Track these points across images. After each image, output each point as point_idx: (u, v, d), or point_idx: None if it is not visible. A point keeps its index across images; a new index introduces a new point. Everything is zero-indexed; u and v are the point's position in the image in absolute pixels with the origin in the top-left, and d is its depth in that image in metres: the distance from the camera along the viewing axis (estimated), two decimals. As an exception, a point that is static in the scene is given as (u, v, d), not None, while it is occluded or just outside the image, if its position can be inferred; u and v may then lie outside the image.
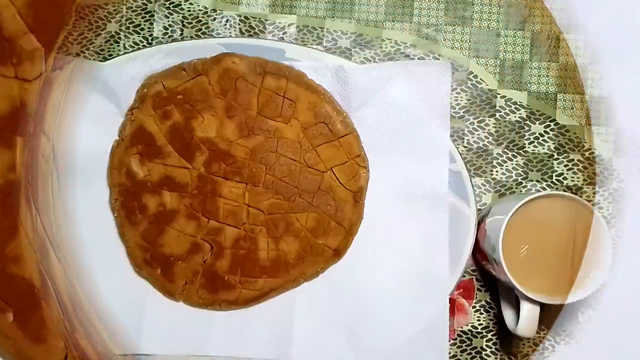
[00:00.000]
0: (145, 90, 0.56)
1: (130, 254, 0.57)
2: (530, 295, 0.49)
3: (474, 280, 0.59)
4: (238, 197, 0.56)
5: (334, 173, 0.56)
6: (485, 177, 0.59)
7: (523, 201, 0.49)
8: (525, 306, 0.50)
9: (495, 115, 0.59)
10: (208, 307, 0.56)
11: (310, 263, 0.56)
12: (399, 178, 0.56)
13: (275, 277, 0.56)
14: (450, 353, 0.58)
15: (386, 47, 0.59)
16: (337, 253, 0.56)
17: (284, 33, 0.59)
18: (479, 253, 0.56)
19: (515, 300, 0.53)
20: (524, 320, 0.49)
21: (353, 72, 0.55)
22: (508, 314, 0.54)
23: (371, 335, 0.55)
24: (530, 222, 0.50)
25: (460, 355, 0.58)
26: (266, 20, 0.60)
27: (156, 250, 0.56)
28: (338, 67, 0.55)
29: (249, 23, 0.60)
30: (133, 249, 0.56)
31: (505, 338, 0.58)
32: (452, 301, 0.58)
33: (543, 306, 0.50)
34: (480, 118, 0.59)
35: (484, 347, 0.58)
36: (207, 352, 0.55)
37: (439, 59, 0.59)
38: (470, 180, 0.55)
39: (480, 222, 0.55)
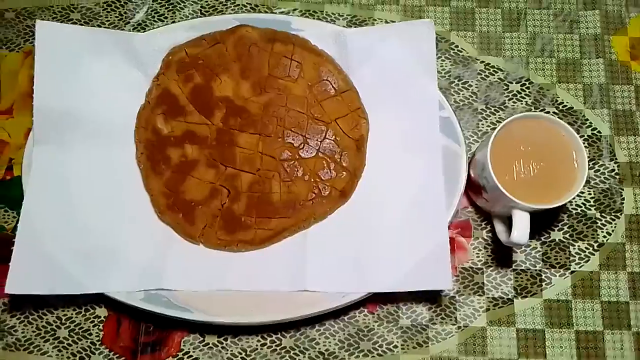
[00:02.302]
0: (170, 57, 0.64)
1: (154, 201, 0.62)
2: (520, 202, 0.54)
3: (470, 219, 0.64)
4: (253, 146, 0.62)
5: (337, 124, 0.63)
6: (472, 129, 0.66)
7: (506, 121, 0.56)
8: (516, 214, 0.55)
9: (477, 77, 0.67)
10: (226, 247, 0.60)
11: (319, 204, 0.61)
12: (395, 128, 0.63)
13: (288, 217, 0.61)
14: (453, 289, 0.62)
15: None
16: (344, 194, 0.62)
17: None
18: (472, 190, 0.62)
19: (507, 221, 0.58)
20: (517, 227, 0.54)
21: (351, 36, 0.64)
22: (502, 234, 0.59)
23: (378, 266, 0.59)
24: (514, 142, 0.57)
25: (463, 291, 0.62)
26: (273, 6, 0.69)
27: (178, 196, 0.61)
28: (338, 33, 0.64)
29: (258, 10, 0.69)
30: (157, 197, 0.61)
31: (505, 273, 0.62)
32: (451, 240, 0.62)
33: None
34: (464, 80, 0.67)
35: (485, 282, 0.62)
36: (225, 287, 0.59)
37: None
38: (459, 121, 0.62)
39: (469, 164, 0.61)
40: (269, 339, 0.61)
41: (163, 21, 0.69)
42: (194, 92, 0.63)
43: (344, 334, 0.61)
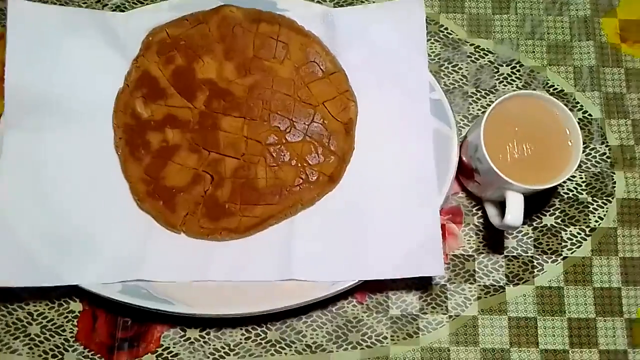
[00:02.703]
0: (150, 38, 0.61)
1: (133, 188, 0.59)
2: (513, 182, 0.52)
3: (461, 205, 0.62)
4: (237, 129, 0.59)
5: (325, 107, 0.61)
6: (463, 112, 0.64)
7: (499, 100, 0.54)
8: (510, 196, 0.53)
9: (467, 60, 0.65)
10: (209, 236, 0.58)
11: (306, 190, 0.59)
12: (385, 110, 0.61)
13: (274, 203, 0.58)
14: (444, 277, 0.60)
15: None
16: (332, 179, 0.59)
17: None
18: (463, 175, 0.60)
19: (499, 205, 0.57)
20: (511, 209, 0.53)
21: (339, 15, 0.62)
22: (494, 218, 0.57)
23: (368, 253, 0.57)
24: (507, 122, 0.55)
25: (454, 279, 0.60)
26: None
27: (159, 183, 0.58)
28: (326, 13, 0.62)
29: None
30: (136, 184, 0.59)
31: (496, 260, 0.61)
32: (442, 227, 0.61)
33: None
34: (454, 63, 0.65)
35: (476, 269, 0.60)
36: (208, 277, 0.56)
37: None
38: (450, 104, 0.60)
39: (460, 147, 0.60)
40: (253, 332, 0.59)
41: (142, 3, 0.66)
42: (175, 74, 0.61)
43: (332, 325, 0.59)
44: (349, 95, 0.61)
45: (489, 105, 0.63)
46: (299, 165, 0.59)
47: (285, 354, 0.58)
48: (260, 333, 0.59)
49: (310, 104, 0.60)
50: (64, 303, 0.59)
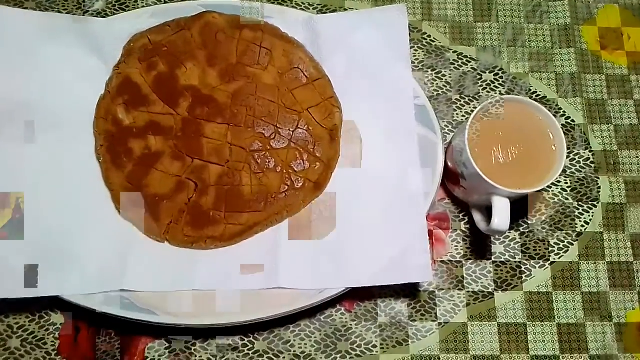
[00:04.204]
0: (132, 44, 0.60)
1: (115, 196, 0.57)
2: (499, 186, 0.52)
3: (448, 211, 0.62)
4: (221, 136, 0.58)
5: (310, 113, 0.60)
6: (447, 119, 0.64)
7: (484, 104, 0.54)
8: (496, 201, 0.53)
9: (450, 67, 0.66)
10: (194, 244, 0.56)
11: (292, 197, 0.58)
12: (370, 117, 0.61)
13: (259, 210, 0.57)
14: (432, 284, 0.59)
15: None
16: (318, 186, 0.59)
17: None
18: (449, 180, 0.60)
19: (486, 210, 0.56)
20: (497, 214, 0.52)
21: (322, 22, 0.61)
22: (481, 223, 0.57)
23: (355, 260, 0.56)
24: (491, 126, 0.55)
25: (443, 285, 0.60)
26: None
27: (142, 190, 0.57)
28: (308, 19, 0.61)
29: None
30: (118, 192, 0.57)
31: (484, 266, 0.60)
32: (429, 233, 0.60)
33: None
34: (437, 70, 0.65)
35: (465, 275, 0.60)
36: (192, 287, 0.55)
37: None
38: (435, 111, 0.60)
39: (445, 152, 0.60)
40: (240, 342, 0.57)
41: (125, 10, 0.65)
42: (157, 81, 0.60)
43: (320, 334, 0.58)
44: (333, 102, 0.61)
45: (473, 111, 0.64)
46: (284, 171, 0.58)
47: (248, 346, 0.57)
48: (248, 343, 0.57)
49: (294, 111, 0.60)
50: (45, 315, 0.57)
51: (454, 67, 0.66)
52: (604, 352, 0.58)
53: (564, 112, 0.65)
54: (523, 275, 0.60)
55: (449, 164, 0.59)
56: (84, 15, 0.64)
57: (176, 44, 0.60)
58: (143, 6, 0.65)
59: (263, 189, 0.58)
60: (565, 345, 0.58)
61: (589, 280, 0.60)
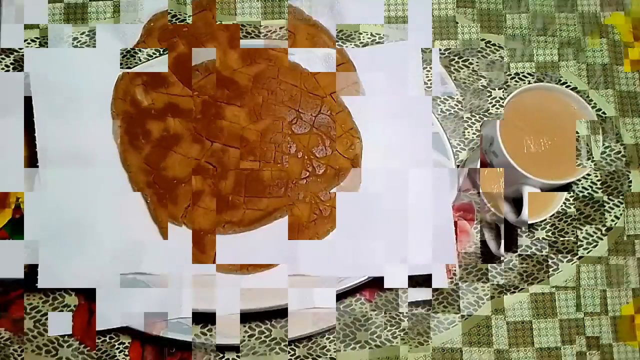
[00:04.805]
0: (151, 24, 0.59)
1: (133, 178, 0.56)
2: (531, 176, 0.50)
3: (473, 202, 0.60)
4: (241, 119, 0.57)
5: (333, 98, 0.58)
6: (460, 137, 0.62)
7: (517, 91, 0.52)
8: (527, 191, 0.51)
9: (478, 55, 0.64)
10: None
11: (313, 183, 0.56)
12: (390, 108, 0.59)
13: (279, 196, 0.56)
14: (456, 275, 0.58)
15: (364, 38, 0.64)
16: (340, 174, 0.57)
17: (277, 35, 0.63)
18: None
19: (513, 202, 0.55)
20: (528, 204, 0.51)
21: (346, 4, 0.60)
22: (509, 214, 0.55)
23: (377, 248, 0.54)
24: (524, 115, 0.53)
25: (467, 278, 0.58)
26: (260, 25, 0.63)
27: (159, 173, 0.56)
28: (334, 2, 0.60)
29: (245, 29, 0.63)
30: (136, 173, 0.56)
31: (510, 259, 0.58)
32: (454, 224, 0.58)
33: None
34: (464, 57, 0.63)
35: (489, 268, 0.58)
36: (209, 270, 0.54)
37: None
38: (448, 139, 0.58)
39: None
40: (257, 329, 0.56)
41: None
42: (177, 62, 0.58)
43: (339, 323, 0.56)
44: (357, 87, 0.59)
45: (501, 100, 0.62)
46: (306, 157, 0.57)
47: (291, 352, 0.55)
48: (265, 330, 0.56)
49: (317, 95, 0.58)
50: (114, 336, 0.56)
51: (465, 86, 0.63)
52: (632, 351, 0.56)
53: (595, 103, 0.63)
54: (550, 270, 0.58)
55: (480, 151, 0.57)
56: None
57: (197, 25, 0.59)
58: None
59: (283, 174, 0.56)
60: (592, 341, 0.56)
61: (617, 278, 0.58)
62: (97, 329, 0.53)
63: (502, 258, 0.58)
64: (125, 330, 0.55)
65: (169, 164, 0.56)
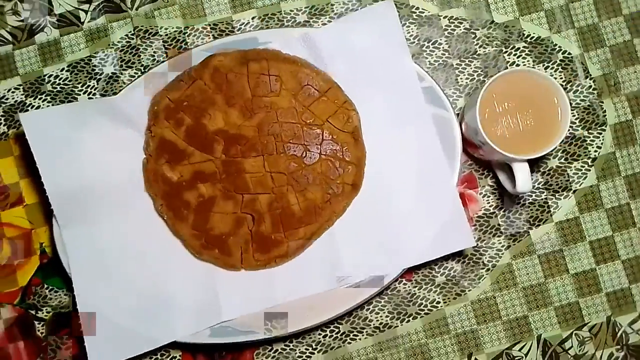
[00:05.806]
0: (155, 107, 0.65)
1: (188, 244, 0.66)
2: (516, 156, 0.58)
3: (473, 171, 0.68)
4: (260, 168, 0.65)
5: (330, 123, 0.66)
6: (454, 85, 0.69)
7: (487, 83, 0.59)
8: (516, 166, 0.59)
9: (444, 33, 0.69)
10: (266, 266, 0.66)
11: (336, 202, 0.65)
12: (382, 112, 0.66)
13: (312, 222, 0.65)
14: (474, 237, 0.68)
15: (337, 9, 0.69)
16: (355, 187, 0.66)
17: (250, 26, 0.69)
18: (468, 146, 0.66)
19: (508, 169, 0.63)
20: (519, 177, 0.59)
21: (317, 35, 0.65)
22: (506, 183, 0.64)
23: (402, 241, 0.64)
24: (498, 101, 0.60)
25: (483, 236, 0.68)
26: (232, 20, 0.69)
27: (208, 234, 0.65)
28: (304, 35, 0.65)
29: (219, 28, 0.69)
30: (189, 240, 0.66)
31: (515, 210, 0.68)
32: (461, 195, 0.68)
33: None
34: (433, 40, 0.69)
35: (500, 223, 0.68)
36: (276, 302, 0.65)
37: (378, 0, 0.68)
38: (442, 90, 0.65)
39: (460, 123, 0.65)
40: (327, 329, 0.68)
41: (131, 67, 0.69)
42: (188, 134, 0.65)
43: (391, 305, 0.68)
44: (348, 106, 0.66)
45: (476, 71, 0.68)
46: (324, 182, 0.65)
47: (360, 339, 0.68)
48: (334, 328, 0.68)
49: (316, 125, 0.65)
50: (165, 352, 0.68)
51: (448, 33, 0.69)
52: (633, 254, 0.67)
53: (560, 47, 0.68)
54: (551, 209, 0.68)
55: (466, 136, 0.64)
56: (98, 82, 0.69)
57: (194, 96, 0.65)
58: (147, 58, 0.69)
59: (310, 203, 0.65)
60: (599, 257, 0.67)
61: (609, 197, 0.68)
62: (145, 350, 0.63)
63: (519, 196, 0.67)
64: (173, 345, 0.66)
65: (213, 224, 0.65)
